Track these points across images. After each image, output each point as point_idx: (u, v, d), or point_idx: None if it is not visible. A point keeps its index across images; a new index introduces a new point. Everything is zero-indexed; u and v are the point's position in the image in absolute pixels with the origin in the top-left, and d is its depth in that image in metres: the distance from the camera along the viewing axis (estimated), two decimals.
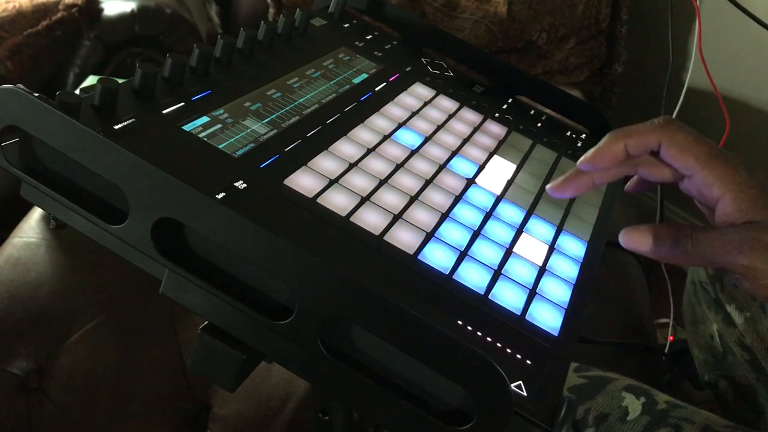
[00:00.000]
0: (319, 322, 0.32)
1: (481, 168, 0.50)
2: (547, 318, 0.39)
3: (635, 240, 0.42)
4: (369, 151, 0.46)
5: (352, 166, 0.44)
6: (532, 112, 0.61)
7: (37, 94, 0.33)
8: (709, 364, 0.84)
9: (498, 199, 0.47)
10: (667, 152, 0.42)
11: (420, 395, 0.34)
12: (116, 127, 0.37)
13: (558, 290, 0.41)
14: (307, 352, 0.33)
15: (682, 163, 0.42)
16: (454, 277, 0.39)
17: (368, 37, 0.62)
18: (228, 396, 0.82)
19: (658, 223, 0.90)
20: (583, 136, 0.61)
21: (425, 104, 0.55)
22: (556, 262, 0.44)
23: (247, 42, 0.50)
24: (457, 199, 0.45)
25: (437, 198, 0.44)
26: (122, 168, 0.33)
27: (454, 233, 0.42)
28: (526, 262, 0.42)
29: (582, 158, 0.44)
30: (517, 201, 0.48)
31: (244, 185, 0.38)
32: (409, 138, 0.49)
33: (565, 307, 0.40)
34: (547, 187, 0.45)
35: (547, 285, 0.41)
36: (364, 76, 0.55)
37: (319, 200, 0.40)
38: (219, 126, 0.42)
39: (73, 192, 0.36)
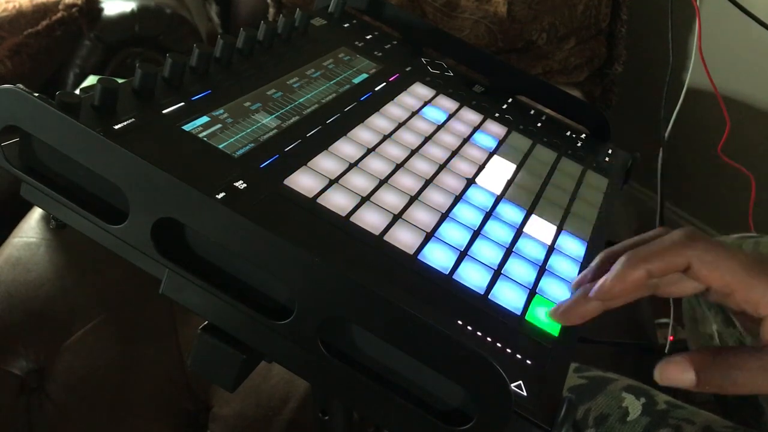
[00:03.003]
0: (319, 322, 0.32)
1: (481, 168, 0.50)
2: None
3: (674, 377, 0.37)
4: (369, 151, 0.46)
5: (352, 166, 0.44)
6: (532, 112, 0.61)
7: (37, 94, 0.33)
8: None
9: (498, 199, 0.47)
10: (699, 274, 0.37)
11: (420, 395, 0.34)
12: (116, 127, 0.37)
13: (558, 290, 0.41)
14: (307, 352, 0.33)
15: (719, 284, 0.37)
16: (454, 277, 0.39)
17: (368, 37, 0.62)
18: (228, 396, 0.82)
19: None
20: (583, 136, 0.61)
21: (425, 104, 0.55)
22: (556, 262, 0.44)
23: (247, 42, 0.50)
24: (457, 199, 0.45)
25: (437, 198, 0.44)
26: (122, 168, 0.33)
27: (454, 233, 0.42)
28: (526, 262, 0.42)
29: (597, 288, 0.37)
30: (517, 201, 0.48)
31: (244, 185, 0.38)
32: (409, 138, 0.49)
33: None
34: (550, 312, 0.39)
35: (547, 285, 0.41)
36: (364, 76, 0.55)
37: (319, 200, 0.40)
38: (219, 126, 0.42)
39: (73, 192, 0.36)
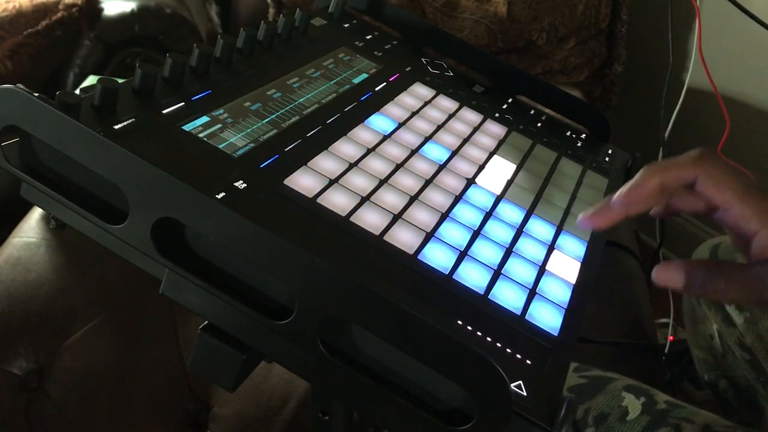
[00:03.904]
0: (319, 322, 0.32)
1: (481, 168, 0.50)
2: (547, 318, 0.39)
3: (667, 276, 0.41)
4: (369, 151, 0.46)
5: (352, 166, 0.44)
6: (532, 112, 0.61)
7: (37, 94, 0.33)
8: (709, 364, 0.84)
9: (498, 199, 0.47)
10: (704, 187, 0.42)
11: (420, 395, 0.34)
12: (116, 127, 0.37)
13: (558, 290, 0.41)
14: (307, 352, 0.33)
15: (719, 198, 0.41)
16: (454, 277, 0.39)
17: (368, 37, 0.62)
18: (228, 396, 0.82)
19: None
20: (583, 136, 0.61)
21: (425, 104, 0.55)
22: (556, 262, 0.44)
23: (247, 42, 0.50)
24: (457, 199, 0.45)
25: (437, 198, 0.44)
26: (122, 168, 0.33)
27: (454, 233, 0.42)
28: (526, 262, 0.42)
29: (617, 194, 0.42)
30: (517, 201, 0.48)
31: (244, 185, 0.38)
32: (409, 138, 0.49)
33: (565, 307, 0.40)
34: (579, 217, 0.44)
35: (547, 285, 0.41)
36: (364, 76, 0.55)
37: (319, 200, 0.40)
38: (219, 126, 0.42)
39: (73, 192, 0.36)
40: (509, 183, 0.49)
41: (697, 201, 0.44)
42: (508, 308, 0.38)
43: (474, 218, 0.44)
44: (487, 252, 0.42)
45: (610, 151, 0.60)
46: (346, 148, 0.45)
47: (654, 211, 0.48)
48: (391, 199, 0.42)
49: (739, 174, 0.42)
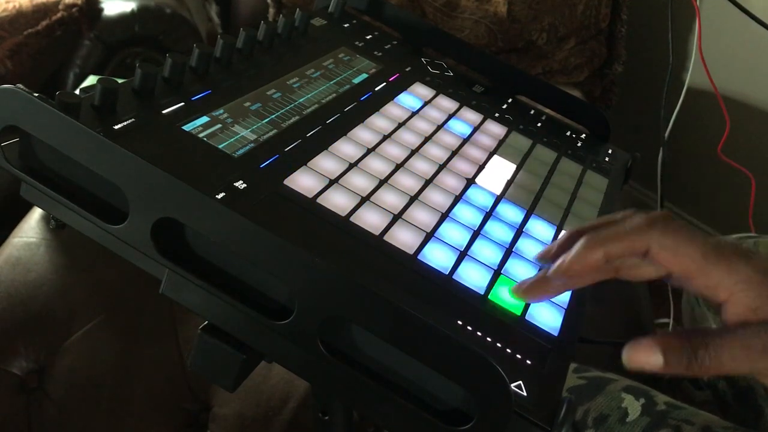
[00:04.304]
0: (319, 322, 0.32)
1: (481, 168, 0.50)
2: (547, 318, 0.39)
3: (641, 359, 0.36)
4: (369, 151, 0.46)
5: (352, 166, 0.44)
6: (532, 112, 0.61)
7: (37, 94, 0.33)
8: None
9: (498, 199, 0.47)
10: (658, 258, 0.37)
11: (420, 395, 0.34)
12: (116, 127, 0.37)
13: None
14: (307, 352, 0.33)
15: (677, 269, 0.37)
16: (454, 277, 0.39)
17: (368, 37, 0.62)
18: (228, 396, 0.82)
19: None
20: (583, 136, 0.61)
21: (425, 104, 0.55)
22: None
23: (247, 42, 0.50)
24: (457, 199, 0.45)
25: (437, 198, 0.44)
26: (122, 168, 0.33)
27: (454, 233, 0.42)
28: (526, 262, 0.42)
29: (554, 267, 0.38)
30: (517, 201, 0.48)
31: (244, 185, 0.38)
32: (409, 138, 0.49)
33: (565, 307, 0.40)
34: (513, 288, 0.39)
35: None
36: (364, 76, 0.55)
37: (319, 200, 0.40)
38: (219, 126, 0.42)
39: (73, 192, 0.36)
40: (509, 183, 0.49)
41: (649, 269, 0.40)
42: (508, 308, 0.38)
43: (474, 218, 0.44)
44: (487, 252, 0.42)
45: (610, 151, 0.60)
46: (346, 148, 0.45)
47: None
48: (391, 199, 0.42)
49: (694, 239, 0.37)
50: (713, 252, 0.37)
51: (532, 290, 0.39)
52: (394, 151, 0.47)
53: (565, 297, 0.41)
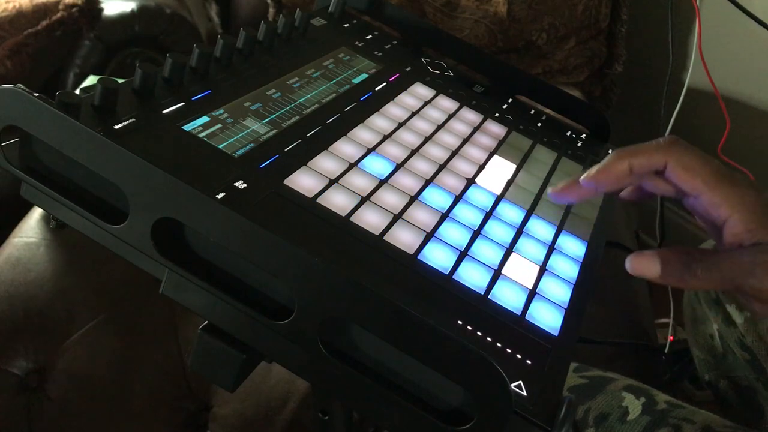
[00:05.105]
0: (319, 322, 0.32)
1: (481, 168, 0.50)
2: (547, 318, 0.39)
3: (642, 266, 0.41)
4: (369, 151, 0.46)
5: (352, 166, 0.44)
6: (532, 112, 0.61)
7: (37, 94, 0.33)
8: (709, 364, 0.84)
9: (498, 199, 0.47)
10: (673, 173, 0.42)
11: (420, 395, 0.34)
12: (116, 127, 0.37)
13: (558, 290, 0.41)
14: (307, 352, 0.33)
15: (688, 185, 0.42)
16: (454, 277, 0.39)
17: (368, 37, 0.62)
18: (228, 396, 0.82)
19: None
20: (583, 136, 0.61)
21: (425, 104, 0.55)
22: (556, 262, 0.44)
23: (247, 42, 0.50)
24: (457, 199, 0.45)
25: (437, 198, 0.44)
26: (122, 168, 0.33)
27: (454, 233, 0.42)
28: (526, 262, 0.42)
29: (585, 174, 0.44)
30: (517, 201, 0.48)
31: (244, 185, 0.38)
32: (409, 138, 0.49)
33: (565, 307, 0.40)
34: (549, 190, 0.46)
35: (547, 285, 0.41)
36: (364, 76, 0.55)
37: (319, 200, 0.40)
38: (219, 126, 0.42)
39: (73, 192, 0.36)
40: (509, 183, 0.49)
41: (667, 186, 0.44)
42: (508, 308, 0.38)
43: (474, 218, 0.44)
44: (487, 252, 0.42)
45: (610, 151, 0.60)
46: (346, 148, 0.45)
47: (626, 194, 0.50)
48: (391, 199, 0.42)
49: (708, 161, 0.42)
50: (726, 174, 0.42)
51: (566, 191, 0.45)
52: (394, 150, 0.47)
53: (565, 297, 0.41)
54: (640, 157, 0.43)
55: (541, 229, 0.46)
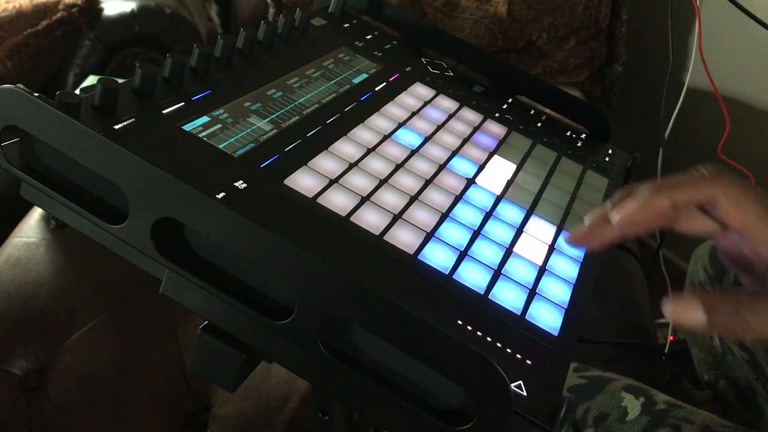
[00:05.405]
0: (319, 322, 0.32)
1: (481, 168, 0.50)
2: (547, 318, 0.39)
3: (685, 315, 0.37)
4: (369, 151, 0.46)
5: (352, 166, 0.44)
6: (532, 112, 0.61)
7: (37, 94, 0.33)
8: (708, 364, 0.84)
9: (498, 199, 0.47)
10: (722, 209, 0.38)
11: (420, 395, 0.34)
12: (116, 127, 0.37)
13: (558, 290, 0.41)
14: (307, 352, 0.33)
15: (738, 220, 0.38)
16: (454, 277, 0.39)
17: (368, 37, 0.62)
18: (228, 396, 0.82)
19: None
20: (583, 136, 0.61)
21: (425, 104, 0.55)
22: (556, 262, 0.44)
23: (247, 42, 0.50)
24: (457, 199, 0.45)
25: (437, 198, 0.44)
26: (122, 168, 0.33)
27: (454, 233, 0.42)
28: (526, 262, 0.42)
29: (618, 212, 0.39)
30: (517, 201, 0.48)
31: (244, 185, 0.38)
32: (409, 138, 0.49)
33: (565, 307, 0.40)
34: (568, 237, 0.42)
35: (547, 285, 0.41)
36: (364, 76, 0.55)
37: (319, 200, 0.40)
38: (219, 126, 0.42)
39: (73, 192, 0.36)
40: (509, 183, 0.49)
41: (706, 222, 0.40)
42: (508, 308, 0.38)
43: (474, 218, 0.44)
44: (487, 252, 0.42)
45: (610, 151, 0.60)
46: (346, 148, 0.45)
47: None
48: (391, 199, 0.42)
49: (758, 195, 0.39)
50: None
51: (589, 236, 0.40)
52: (394, 150, 0.47)
53: (565, 297, 0.41)
54: (684, 191, 0.38)
55: (541, 229, 0.46)
